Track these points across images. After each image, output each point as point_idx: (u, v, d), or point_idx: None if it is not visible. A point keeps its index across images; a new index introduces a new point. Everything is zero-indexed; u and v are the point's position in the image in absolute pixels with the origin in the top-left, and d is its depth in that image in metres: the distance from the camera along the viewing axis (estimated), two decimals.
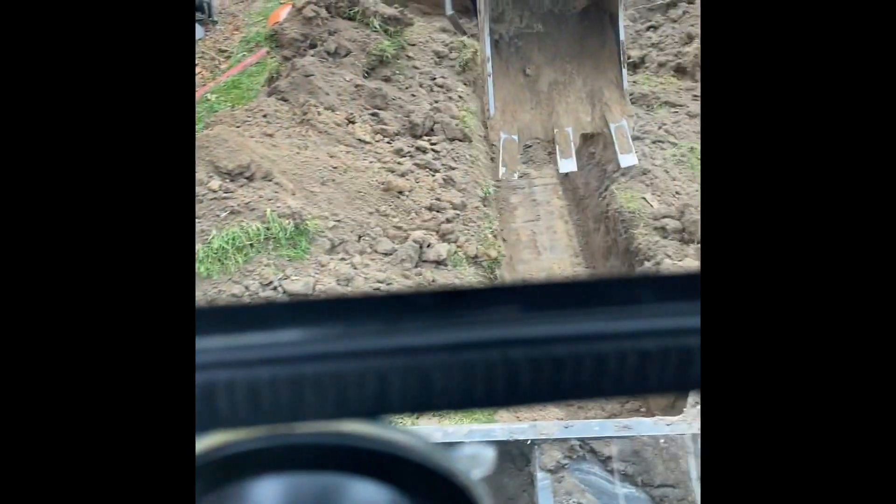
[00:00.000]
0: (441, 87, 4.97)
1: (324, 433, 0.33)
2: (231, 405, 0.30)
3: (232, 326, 0.31)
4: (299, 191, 3.36)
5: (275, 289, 3.01)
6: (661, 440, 1.58)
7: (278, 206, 3.14)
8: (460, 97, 4.95)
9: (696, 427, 1.58)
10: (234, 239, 3.00)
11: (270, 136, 3.70)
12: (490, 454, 0.38)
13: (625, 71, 3.49)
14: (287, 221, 3.11)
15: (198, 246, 2.95)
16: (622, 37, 3.42)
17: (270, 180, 3.29)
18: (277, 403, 0.30)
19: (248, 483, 0.34)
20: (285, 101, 4.29)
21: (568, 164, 3.66)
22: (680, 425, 1.62)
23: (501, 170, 3.62)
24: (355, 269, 3.20)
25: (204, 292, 2.94)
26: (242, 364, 0.30)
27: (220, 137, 3.32)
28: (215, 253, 2.97)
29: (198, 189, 3.09)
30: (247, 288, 2.98)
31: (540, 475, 1.55)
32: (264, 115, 4.04)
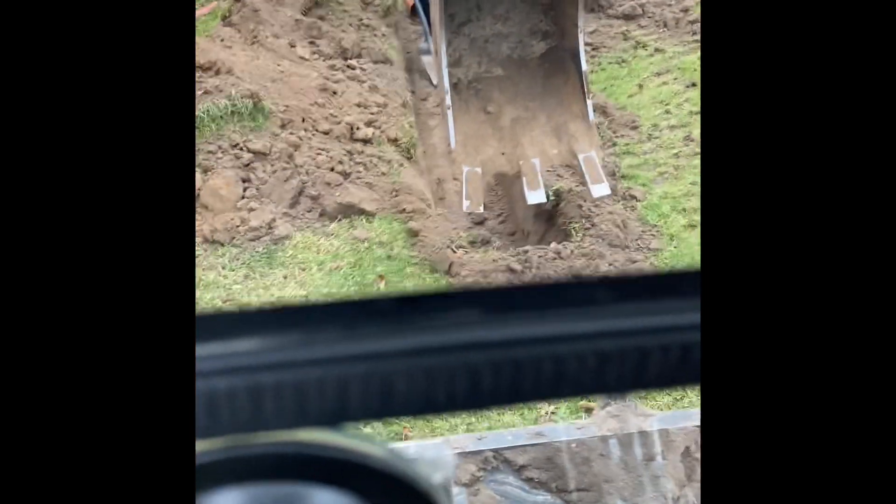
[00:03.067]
0: (367, 26, 5.99)
1: (283, 443, 0.33)
2: None
3: None
4: (254, 83, 4.34)
5: (241, 148, 3.98)
6: (573, 444, 1.57)
7: (240, 89, 4.12)
8: (384, 35, 5.97)
9: (605, 429, 1.59)
10: (208, 111, 3.97)
11: (229, 48, 4.67)
12: (450, 458, 0.37)
13: (590, 103, 3.53)
14: (247, 101, 4.09)
15: None
16: (584, 68, 3.47)
17: (232, 74, 4.27)
18: (235, 414, 0.30)
19: (208, 496, 0.33)
20: (238, 31, 5.24)
21: (536, 196, 3.57)
22: (590, 428, 1.60)
23: (465, 203, 3.62)
24: (301, 140, 4.20)
25: None
26: (199, 375, 0.30)
27: None
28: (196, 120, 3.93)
29: None
30: (219, 147, 3.95)
31: (455, 490, 1.49)
32: (222, 40, 4.98)
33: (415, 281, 3.48)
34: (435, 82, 5.86)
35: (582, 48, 3.50)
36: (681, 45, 5.53)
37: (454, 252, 3.61)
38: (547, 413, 2.70)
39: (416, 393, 0.31)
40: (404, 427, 2.63)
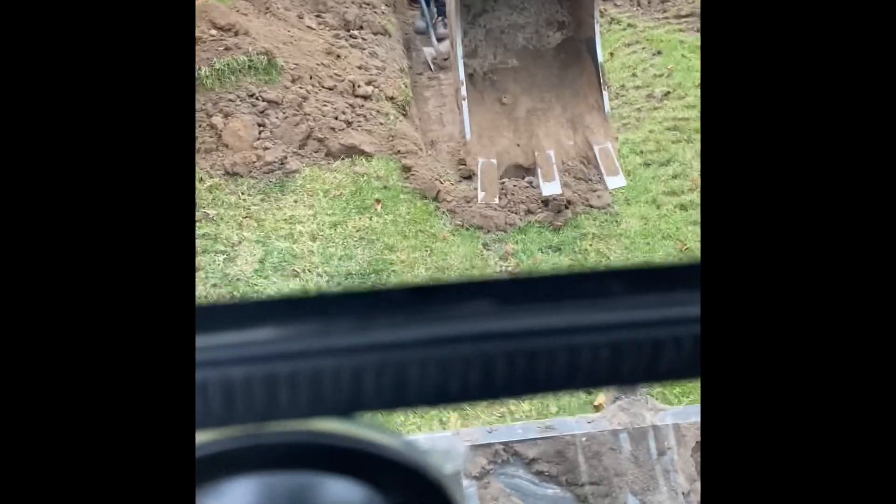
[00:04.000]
0: (368, 4, 6.57)
1: (298, 432, 0.33)
2: (204, 406, 0.30)
3: (204, 326, 0.31)
4: (268, 43, 4.92)
5: (256, 97, 4.56)
6: (583, 438, 1.57)
7: (256, 48, 4.70)
8: (383, 13, 6.56)
9: (616, 423, 1.59)
10: (228, 64, 4.55)
11: (245, 15, 5.25)
12: (462, 448, 0.39)
13: (605, 93, 3.53)
14: (262, 57, 4.67)
15: (204, 69, 4.48)
16: (601, 59, 3.50)
17: (248, 35, 4.85)
18: (251, 403, 0.31)
19: (222, 484, 0.34)
20: (252, 4, 5.82)
21: (551, 188, 3.62)
22: (601, 422, 1.61)
23: (480, 195, 3.57)
24: (309, 93, 4.78)
25: (209, 99, 4.47)
26: (215, 364, 0.30)
27: (212, 4, 4.87)
28: (216, 73, 4.52)
29: (202, 34, 4.64)
30: (238, 96, 4.53)
31: (465, 483, 1.51)
32: (236, 10, 5.57)
33: (407, 205, 4.05)
34: (430, 61, 6.42)
35: (598, 39, 3.48)
36: (651, 21, 6.13)
37: (441, 183, 4.18)
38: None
39: (430, 383, 0.31)
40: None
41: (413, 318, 0.31)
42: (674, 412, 1.64)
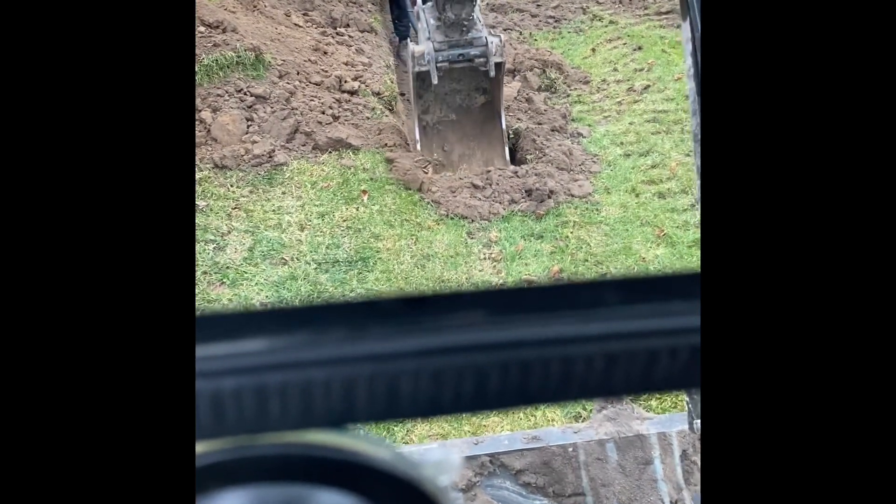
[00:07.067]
0: (354, 2, 6.66)
1: (289, 444, 0.33)
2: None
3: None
4: (256, 40, 5.01)
5: (244, 93, 4.64)
6: (570, 448, 1.58)
7: (244, 44, 4.78)
8: (369, 11, 6.65)
9: (602, 433, 1.59)
10: (217, 60, 4.63)
11: (233, 12, 5.33)
12: (456, 460, 0.38)
13: (507, 148, 4.65)
14: (250, 53, 4.76)
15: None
16: (504, 126, 4.66)
17: (236, 32, 4.93)
18: (241, 414, 0.30)
19: (212, 497, 0.33)
20: (240, 2, 5.90)
21: None
22: (587, 432, 1.61)
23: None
24: (296, 88, 4.86)
25: (198, 94, 4.55)
26: (205, 375, 0.30)
27: (200, 2, 4.95)
28: (205, 69, 4.60)
29: None
30: (226, 91, 4.61)
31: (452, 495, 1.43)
32: (224, 7, 5.65)
33: (393, 196, 4.14)
34: (410, 64, 6.67)
35: (503, 111, 4.63)
36: (633, 17, 6.25)
37: (426, 174, 4.28)
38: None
39: (423, 394, 0.31)
40: None
41: (405, 328, 0.31)
42: (659, 421, 1.65)
